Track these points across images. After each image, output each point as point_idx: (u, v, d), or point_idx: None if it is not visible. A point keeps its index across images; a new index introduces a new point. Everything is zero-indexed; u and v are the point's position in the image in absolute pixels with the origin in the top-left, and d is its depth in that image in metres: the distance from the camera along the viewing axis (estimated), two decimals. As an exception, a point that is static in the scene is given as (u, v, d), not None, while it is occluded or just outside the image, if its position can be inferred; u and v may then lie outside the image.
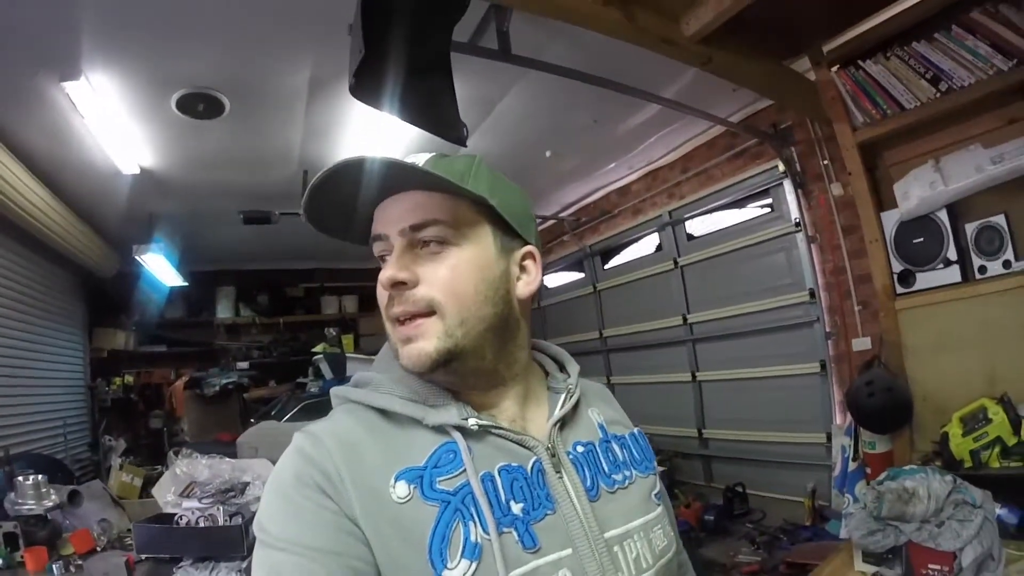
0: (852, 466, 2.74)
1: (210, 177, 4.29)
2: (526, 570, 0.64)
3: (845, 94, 2.62)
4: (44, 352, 4.88)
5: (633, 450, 0.88)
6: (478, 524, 0.64)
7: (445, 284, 0.72)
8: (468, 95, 3.47)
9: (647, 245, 5.26)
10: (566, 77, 2.71)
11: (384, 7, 2.18)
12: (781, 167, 3.56)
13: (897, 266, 2.56)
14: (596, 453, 0.81)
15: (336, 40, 2.26)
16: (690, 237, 4.67)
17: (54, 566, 2.24)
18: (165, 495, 2.48)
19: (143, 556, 2.28)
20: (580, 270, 6.28)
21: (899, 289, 2.56)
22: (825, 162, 3.25)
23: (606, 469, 0.80)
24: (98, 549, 2.52)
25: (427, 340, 0.71)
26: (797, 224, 3.59)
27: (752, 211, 4.10)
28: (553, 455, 0.75)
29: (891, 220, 2.58)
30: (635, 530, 0.76)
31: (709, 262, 4.41)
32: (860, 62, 2.55)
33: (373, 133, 3.66)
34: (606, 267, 5.84)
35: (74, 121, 3.30)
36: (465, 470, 0.68)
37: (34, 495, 2.44)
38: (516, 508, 0.68)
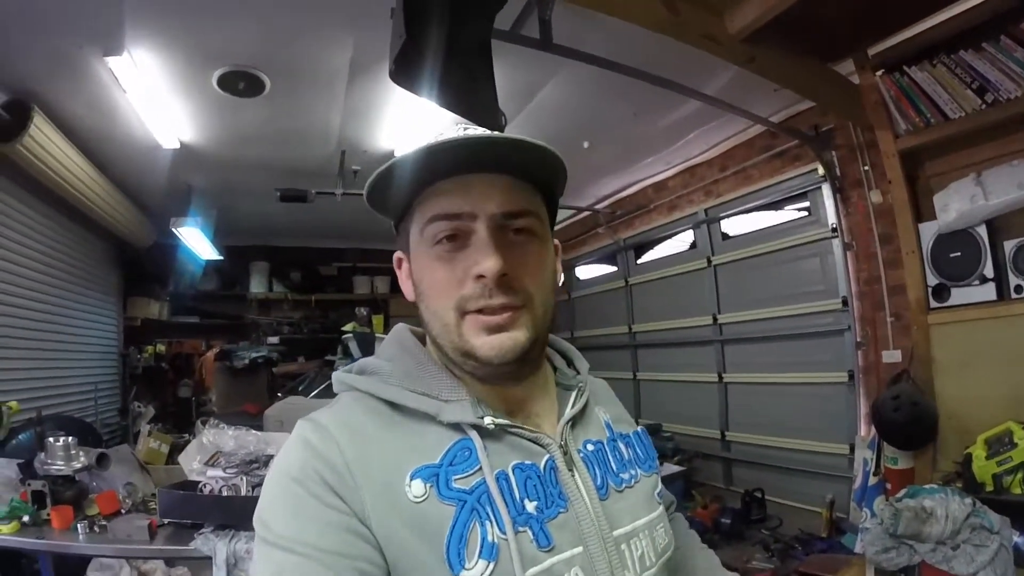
0: (872, 480, 2.70)
1: (248, 154, 4.36)
2: (541, 569, 0.64)
3: (888, 100, 2.56)
4: (79, 319, 5.06)
5: (637, 449, 0.88)
6: (494, 524, 0.64)
7: (536, 277, 0.73)
8: (508, 83, 3.47)
9: (681, 242, 5.20)
10: (606, 69, 2.69)
11: None
12: (820, 170, 3.47)
13: (932, 279, 2.50)
14: (605, 452, 0.81)
15: (378, 23, 2.26)
16: (725, 236, 4.61)
17: (79, 525, 2.31)
18: (191, 463, 2.55)
19: (165, 520, 2.34)
20: (612, 263, 6.25)
21: (933, 303, 2.50)
22: (865, 168, 3.17)
23: (614, 468, 0.80)
24: (122, 511, 2.57)
25: (519, 330, 0.70)
26: (834, 230, 3.50)
27: (789, 213, 4.02)
28: (565, 453, 0.74)
29: (929, 232, 2.51)
30: (641, 528, 0.76)
31: (743, 263, 4.35)
32: (905, 68, 2.49)
33: (413, 116, 3.69)
34: (639, 262, 5.80)
35: (116, 95, 3.39)
36: (480, 468, 0.67)
37: (63, 456, 2.52)
38: (530, 506, 0.67)
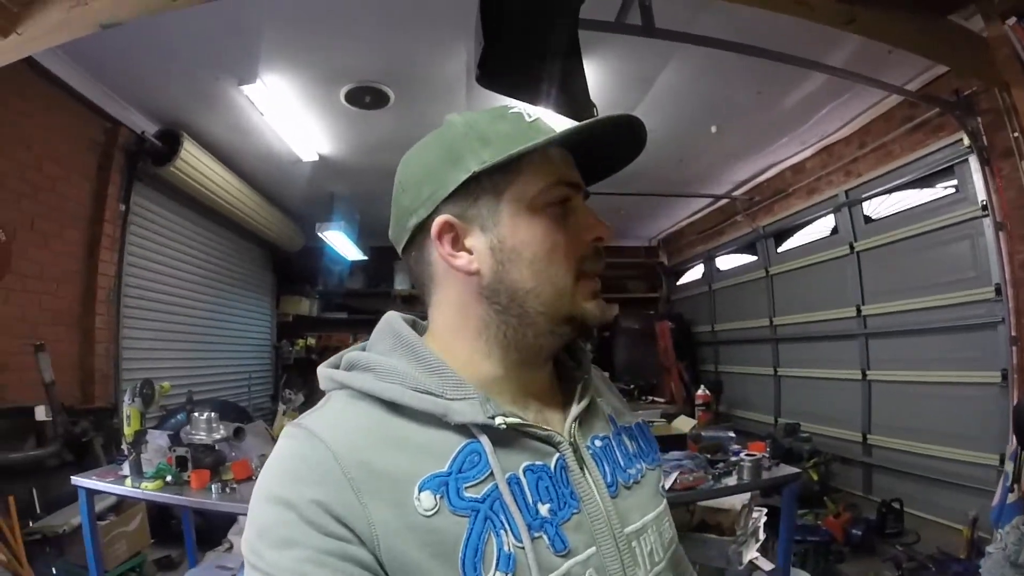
0: (1011, 497, 2.32)
1: (381, 161, 4.67)
2: (558, 574, 0.61)
3: (1022, 51, 2.17)
4: (237, 315, 5.83)
5: (640, 441, 0.84)
6: (510, 532, 0.60)
7: None
8: (624, 73, 3.47)
9: (822, 227, 4.79)
10: (714, 48, 2.58)
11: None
12: (966, 141, 3.03)
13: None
14: (612, 447, 0.78)
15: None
16: (867, 220, 4.18)
17: (213, 486, 2.61)
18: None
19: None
20: (753, 253, 5.90)
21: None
22: (1015, 135, 2.71)
23: (622, 463, 0.77)
24: (253, 477, 2.82)
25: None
26: (984, 207, 3.04)
27: (935, 191, 3.55)
28: (576, 450, 0.71)
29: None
30: (649, 523, 0.74)
31: (887, 248, 3.93)
32: (1041, 12, 2.10)
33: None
34: (779, 250, 5.42)
35: (254, 117, 3.85)
36: (491, 473, 0.62)
37: (205, 428, 2.91)
38: (544, 510, 0.63)
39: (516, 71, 2.39)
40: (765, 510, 3.16)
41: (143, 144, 3.91)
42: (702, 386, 5.01)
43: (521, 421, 0.66)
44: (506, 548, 0.59)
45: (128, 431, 2.65)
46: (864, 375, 4.08)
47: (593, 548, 0.65)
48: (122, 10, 1.91)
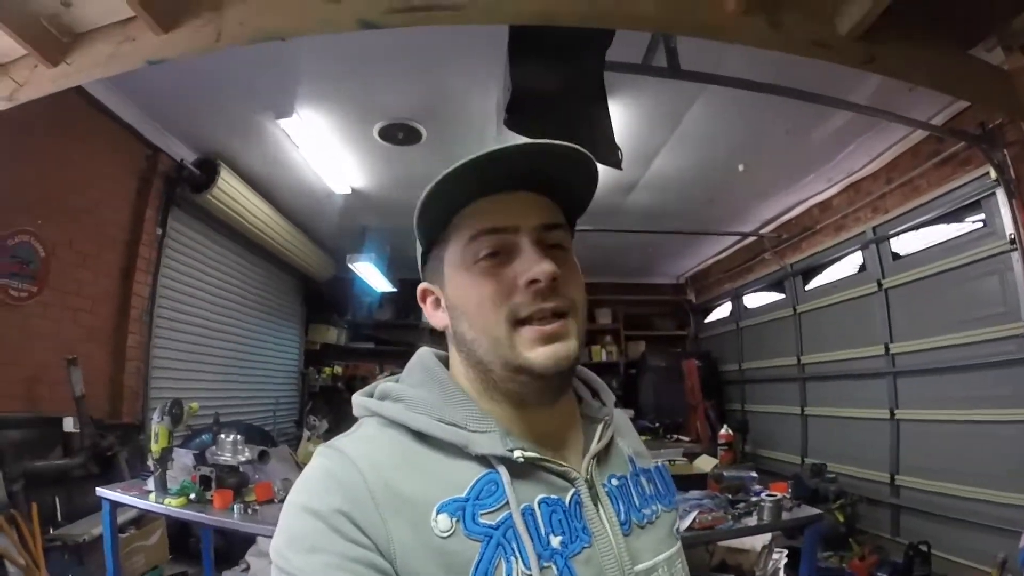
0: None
1: (412, 196, 4.60)
2: None
3: (1045, 83, 2.17)
4: (266, 341, 5.96)
5: (658, 483, 0.86)
6: (519, 559, 0.62)
7: (577, 285, 0.72)
8: (650, 113, 3.54)
9: (850, 265, 4.74)
10: (740, 88, 2.62)
11: (531, 45, 2.33)
12: (992, 174, 3.01)
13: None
14: (628, 486, 0.79)
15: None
16: (895, 256, 4.13)
17: (235, 506, 2.66)
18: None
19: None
20: (780, 291, 5.85)
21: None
22: (1042, 166, 2.69)
23: (637, 503, 0.78)
24: (275, 500, 2.86)
25: (571, 340, 0.69)
26: (1012, 241, 3.00)
27: (964, 225, 3.50)
28: (591, 487, 0.73)
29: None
30: (661, 564, 0.75)
31: (915, 285, 3.87)
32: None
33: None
34: (807, 288, 5.37)
35: (290, 151, 4.00)
36: (507, 503, 0.65)
37: (231, 450, 2.96)
38: (555, 542, 0.65)
39: (543, 115, 2.46)
40: (786, 551, 3.08)
41: (182, 171, 4.08)
42: (724, 426, 4.94)
43: (538, 456, 0.69)
44: (515, 575, 0.61)
45: (155, 448, 2.72)
46: (892, 414, 3.99)
47: None
48: (169, 49, 2.01)
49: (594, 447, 0.76)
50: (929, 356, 3.70)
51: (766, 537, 3.04)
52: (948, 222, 3.59)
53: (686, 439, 6.26)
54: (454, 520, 0.62)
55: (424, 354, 0.80)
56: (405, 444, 0.68)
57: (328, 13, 1.91)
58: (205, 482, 2.77)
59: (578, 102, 2.55)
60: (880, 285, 4.19)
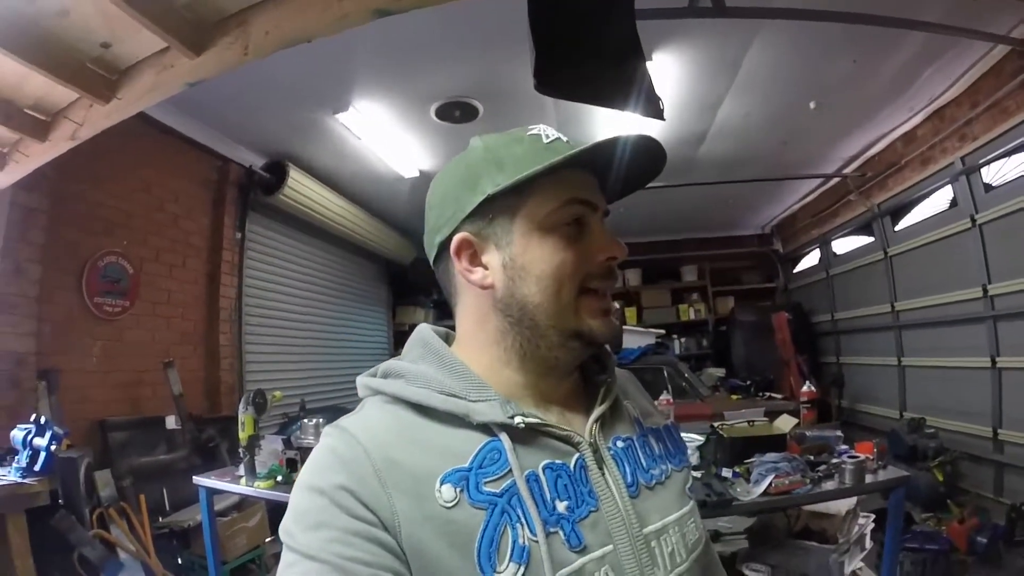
0: None
1: None
2: (571, 569, 0.63)
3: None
4: (353, 327, 6.25)
5: (668, 443, 0.86)
6: (525, 526, 0.63)
7: None
8: (707, 60, 3.42)
9: (941, 200, 4.39)
10: (796, 19, 2.49)
11: (554, 6, 2.28)
12: (1087, 89, 2.69)
13: None
14: (635, 448, 0.79)
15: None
16: (988, 188, 3.78)
17: None
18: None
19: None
20: (869, 233, 5.50)
21: None
22: None
23: (644, 464, 0.79)
24: None
25: (616, 317, 0.75)
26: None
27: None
28: (596, 451, 0.73)
29: None
30: (671, 524, 0.75)
31: (1012, 218, 3.54)
32: None
33: (622, 116, 3.79)
34: (896, 229, 5.02)
35: (352, 142, 4.15)
36: (511, 470, 0.66)
37: (314, 433, 3.17)
38: (561, 507, 0.66)
39: (572, 74, 2.39)
40: (872, 516, 2.89)
41: (252, 177, 4.33)
42: (806, 382, 4.74)
43: (540, 421, 0.70)
44: (521, 541, 0.62)
45: (243, 436, 2.92)
46: (994, 362, 3.69)
47: (610, 546, 0.67)
48: (202, 70, 2.13)
49: (597, 411, 0.76)
50: (1032, 296, 3.38)
51: (851, 501, 2.89)
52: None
53: (779, 396, 6.04)
54: (458, 490, 0.63)
55: (423, 330, 0.81)
56: (407, 419, 0.70)
57: (344, 8, 1.94)
58: (291, 464, 2.94)
59: (608, 56, 2.46)
60: (974, 221, 3.86)
